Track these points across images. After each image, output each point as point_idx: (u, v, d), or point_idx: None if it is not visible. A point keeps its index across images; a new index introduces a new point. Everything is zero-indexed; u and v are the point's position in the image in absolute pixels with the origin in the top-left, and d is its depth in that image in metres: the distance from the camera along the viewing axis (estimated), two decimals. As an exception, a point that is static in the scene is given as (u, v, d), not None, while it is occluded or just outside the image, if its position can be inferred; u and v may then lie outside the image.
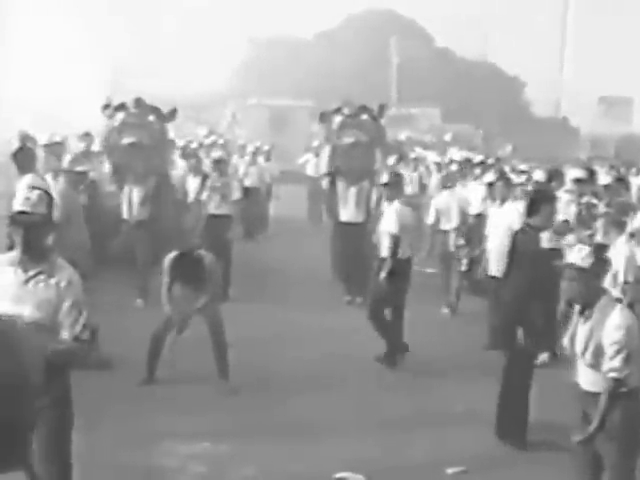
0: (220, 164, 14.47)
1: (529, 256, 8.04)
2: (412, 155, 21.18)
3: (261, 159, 21.69)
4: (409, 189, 19.28)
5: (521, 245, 8.18)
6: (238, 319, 10.33)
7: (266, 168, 21.47)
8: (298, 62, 48.55)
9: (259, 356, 10.22)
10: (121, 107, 13.89)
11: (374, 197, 14.10)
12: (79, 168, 10.97)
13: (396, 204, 10.80)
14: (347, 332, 11.66)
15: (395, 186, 11.06)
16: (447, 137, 28.35)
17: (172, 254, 9.27)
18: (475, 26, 53.27)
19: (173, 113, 14.27)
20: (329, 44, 50.92)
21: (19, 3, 51.04)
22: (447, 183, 14.35)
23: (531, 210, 8.15)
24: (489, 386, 8.27)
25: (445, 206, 13.75)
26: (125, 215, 13.56)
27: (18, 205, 5.25)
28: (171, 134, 15.65)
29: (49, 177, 11.32)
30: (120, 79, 43.94)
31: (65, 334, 5.19)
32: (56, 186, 10.78)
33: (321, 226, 19.31)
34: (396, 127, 28.90)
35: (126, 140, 13.54)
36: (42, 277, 5.22)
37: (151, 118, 13.92)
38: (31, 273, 5.22)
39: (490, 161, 18.47)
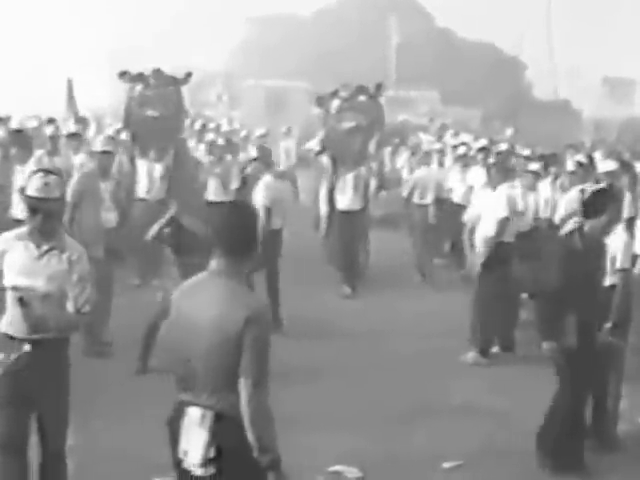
0: (215, 148, 14.14)
1: (587, 275, 7.06)
2: (413, 139, 20.61)
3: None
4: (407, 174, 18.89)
5: (576, 257, 7.07)
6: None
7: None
8: (296, 41, 47.88)
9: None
10: (139, 77, 13.76)
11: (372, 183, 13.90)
12: (107, 148, 10.55)
13: (267, 178, 11.57)
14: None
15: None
16: (444, 121, 27.78)
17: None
18: (476, 6, 52.74)
19: (188, 77, 14.10)
20: (327, 22, 50.28)
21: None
22: (426, 161, 15.16)
23: (594, 210, 7.07)
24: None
25: (422, 182, 14.53)
26: (143, 194, 13.17)
27: (35, 191, 5.53)
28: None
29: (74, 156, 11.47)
30: (116, 59, 43.29)
31: (69, 305, 5.64)
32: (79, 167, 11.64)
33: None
34: (395, 110, 28.43)
35: (149, 112, 13.53)
36: (54, 252, 5.62)
37: (170, 89, 13.76)
38: (45, 248, 5.60)
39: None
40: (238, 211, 4.67)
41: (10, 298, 5.61)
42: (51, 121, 15.12)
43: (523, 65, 54.41)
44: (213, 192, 13.48)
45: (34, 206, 5.57)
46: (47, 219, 5.56)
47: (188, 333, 4.35)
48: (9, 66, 44.24)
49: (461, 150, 15.54)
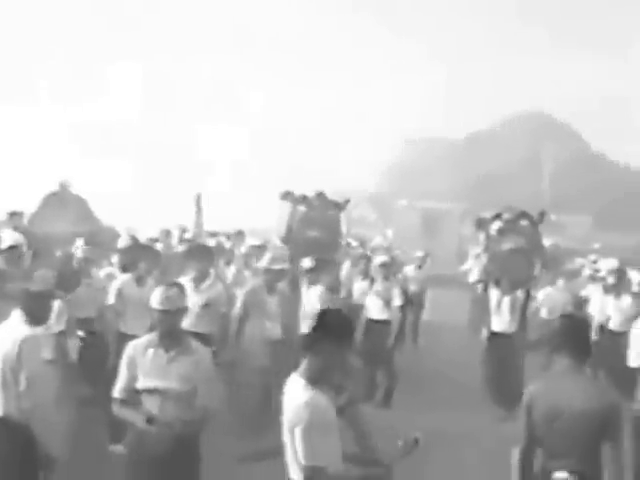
0: (385, 268, 14.39)
1: None
2: (570, 265, 20.47)
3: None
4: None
5: None
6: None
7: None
8: (449, 163, 48.40)
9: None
10: (303, 199, 14.46)
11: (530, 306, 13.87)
12: (278, 266, 11.04)
13: None
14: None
15: None
16: (596, 245, 27.49)
17: None
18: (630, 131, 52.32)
19: (346, 202, 14.52)
20: (479, 146, 50.68)
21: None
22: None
23: None
24: None
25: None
26: None
27: (159, 304, 6.22)
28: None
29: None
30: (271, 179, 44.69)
31: (200, 403, 6.12)
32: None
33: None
34: (547, 234, 28.26)
35: (311, 233, 14.23)
36: (182, 357, 6.16)
37: (331, 212, 14.29)
38: (172, 353, 6.16)
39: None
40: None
41: (144, 400, 6.15)
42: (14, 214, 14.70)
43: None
44: (376, 311, 13.74)
45: (158, 318, 6.23)
46: (171, 328, 6.20)
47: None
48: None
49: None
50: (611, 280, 14.41)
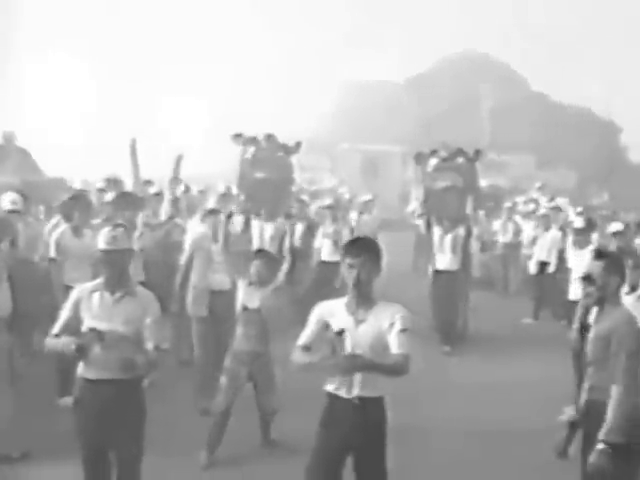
0: (332, 210, 14.68)
1: None
2: (507, 204, 20.77)
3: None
4: (503, 237, 19.18)
5: None
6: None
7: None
8: (389, 107, 48.41)
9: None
10: (252, 140, 14.34)
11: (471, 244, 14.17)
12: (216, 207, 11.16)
13: None
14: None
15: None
16: (538, 184, 27.81)
17: None
18: (570, 70, 52.65)
19: (298, 146, 14.63)
20: (421, 88, 50.74)
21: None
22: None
23: None
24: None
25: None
26: None
27: (105, 244, 6.20)
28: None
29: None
30: (221, 124, 44.31)
31: (149, 345, 6.09)
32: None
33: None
34: (489, 174, 28.59)
35: (258, 174, 14.05)
36: (127, 299, 6.17)
37: (280, 154, 14.32)
38: (117, 295, 6.16)
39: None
40: None
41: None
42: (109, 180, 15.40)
43: (618, 128, 54.02)
44: (327, 253, 14.15)
45: (104, 258, 6.20)
46: (115, 269, 6.18)
47: None
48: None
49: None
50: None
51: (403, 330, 5.55)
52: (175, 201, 13.18)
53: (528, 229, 18.76)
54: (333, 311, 5.75)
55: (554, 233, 16.38)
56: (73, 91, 50.88)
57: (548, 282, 15.98)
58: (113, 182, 15.16)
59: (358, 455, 5.80)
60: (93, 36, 52.64)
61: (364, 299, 5.67)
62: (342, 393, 5.70)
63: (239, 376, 8.45)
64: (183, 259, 10.62)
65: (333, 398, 5.76)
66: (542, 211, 18.27)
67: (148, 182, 14.45)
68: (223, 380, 8.43)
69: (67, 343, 5.95)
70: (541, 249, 16.60)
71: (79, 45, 51.90)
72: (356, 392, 5.65)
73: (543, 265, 16.28)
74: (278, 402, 8.66)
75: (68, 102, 49.95)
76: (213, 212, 10.81)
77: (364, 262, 5.64)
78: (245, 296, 8.55)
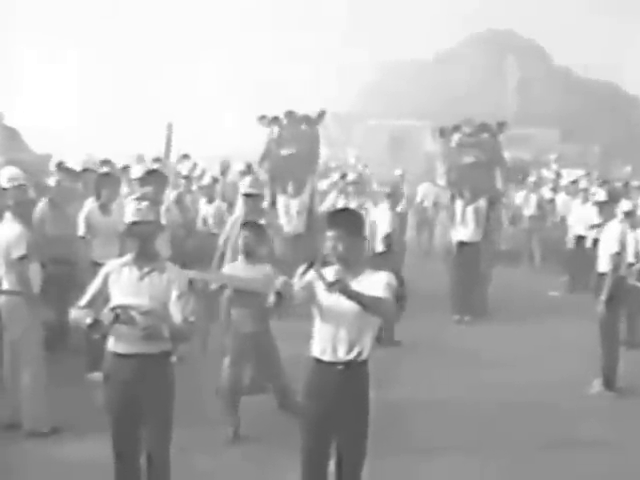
0: (356, 186, 14.98)
1: None
2: (531, 178, 20.72)
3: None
4: (527, 210, 19.16)
5: None
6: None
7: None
8: (418, 83, 48.29)
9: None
10: (275, 120, 14.65)
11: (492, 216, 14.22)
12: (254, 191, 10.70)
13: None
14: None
15: None
16: (553, 156, 27.70)
17: None
18: (595, 46, 52.18)
19: (321, 116, 15.02)
20: (448, 65, 50.56)
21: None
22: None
23: None
24: None
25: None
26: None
27: (130, 216, 6.19)
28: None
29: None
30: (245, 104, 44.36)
31: (177, 318, 6.01)
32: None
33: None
34: (514, 147, 28.48)
35: (283, 151, 14.48)
36: (155, 273, 6.12)
37: (303, 127, 14.62)
38: (145, 270, 6.12)
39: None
40: None
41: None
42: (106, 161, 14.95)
43: (643, 102, 53.47)
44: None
45: (130, 230, 6.20)
46: (142, 241, 6.14)
47: None
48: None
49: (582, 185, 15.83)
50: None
51: (389, 285, 5.57)
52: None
53: (560, 203, 18.74)
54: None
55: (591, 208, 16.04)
56: (68, 76, 51.10)
57: (585, 256, 15.72)
58: (138, 159, 15.37)
59: (340, 423, 5.69)
60: (86, 21, 52.76)
61: (349, 269, 5.60)
62: (326, 357, 5.65)
63: (242, 356, 8.42)
64: (221, 240, 10.57)
65: (317, 363, 5.70)
66: (582, 184, 18.10)
67: (185, 156, 14.87)
68: (226, 361, 8.42)
69: (83, 316, 5.96)
70: (578, 223, 16.31)
71: (72, 30, 52.09)
72: (341, 355, 5.61)
73: (580, 239, 16.00)
74: (285, 375, 8.62)
75: (62, 85, 50.19)
76: (250, 196, 10.43)
77: (341, 235, 5.60)
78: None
